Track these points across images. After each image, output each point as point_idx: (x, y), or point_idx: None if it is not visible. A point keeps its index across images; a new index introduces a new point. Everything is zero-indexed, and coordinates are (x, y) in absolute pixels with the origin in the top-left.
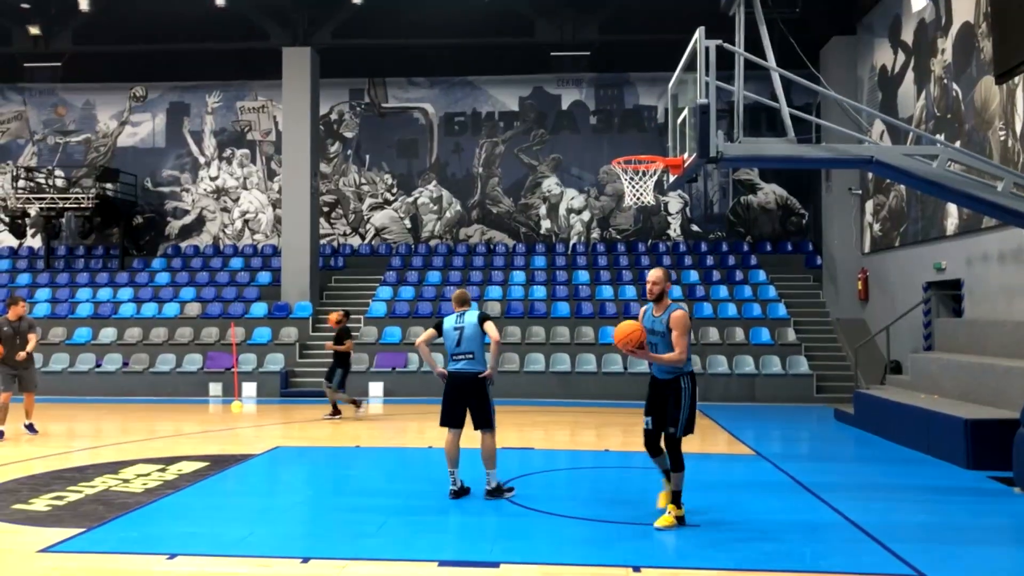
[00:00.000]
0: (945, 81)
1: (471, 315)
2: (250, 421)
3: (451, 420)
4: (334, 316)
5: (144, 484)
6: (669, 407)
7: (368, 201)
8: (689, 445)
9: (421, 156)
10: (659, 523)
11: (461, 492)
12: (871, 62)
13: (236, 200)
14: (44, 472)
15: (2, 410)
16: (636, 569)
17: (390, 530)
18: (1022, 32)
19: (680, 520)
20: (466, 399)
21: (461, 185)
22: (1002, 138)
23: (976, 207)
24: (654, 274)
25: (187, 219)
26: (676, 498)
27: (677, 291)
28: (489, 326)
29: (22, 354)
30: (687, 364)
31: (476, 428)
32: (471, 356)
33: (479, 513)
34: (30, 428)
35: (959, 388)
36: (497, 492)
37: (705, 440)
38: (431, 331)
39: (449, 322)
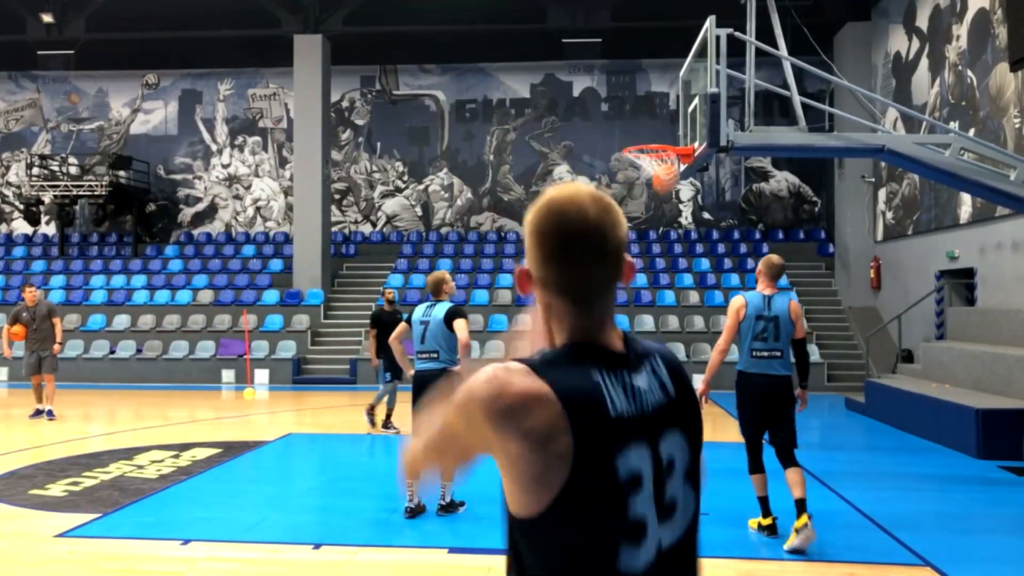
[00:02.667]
0: (960, 68)
1: (440, 309)
2: (262, 408)
3: None
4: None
5: (158, 470)
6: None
7: (379, 188)
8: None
9: (432, 143)
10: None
11: (417, 510)
12: (885, 48)
13: (248, 187)
14: (60, 458)
15: (36, 390)
16: None
17: (401, 517)
18: None
19: (764, 528)
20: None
21: (472, 172)
22: (1017, 126)
23: (989, 196)
24: None
25: (199, 206)
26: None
27: (688, 279)
28: (459, 325)
29: (57, 347)
30: (739, 361)
31: None
32: (435, 355)
33: (488, 502)
34: (48, 414)
35: (971, 377)
36: (450, 507)
37: (716, 428)
38: (403, 325)
39: (417, 313)
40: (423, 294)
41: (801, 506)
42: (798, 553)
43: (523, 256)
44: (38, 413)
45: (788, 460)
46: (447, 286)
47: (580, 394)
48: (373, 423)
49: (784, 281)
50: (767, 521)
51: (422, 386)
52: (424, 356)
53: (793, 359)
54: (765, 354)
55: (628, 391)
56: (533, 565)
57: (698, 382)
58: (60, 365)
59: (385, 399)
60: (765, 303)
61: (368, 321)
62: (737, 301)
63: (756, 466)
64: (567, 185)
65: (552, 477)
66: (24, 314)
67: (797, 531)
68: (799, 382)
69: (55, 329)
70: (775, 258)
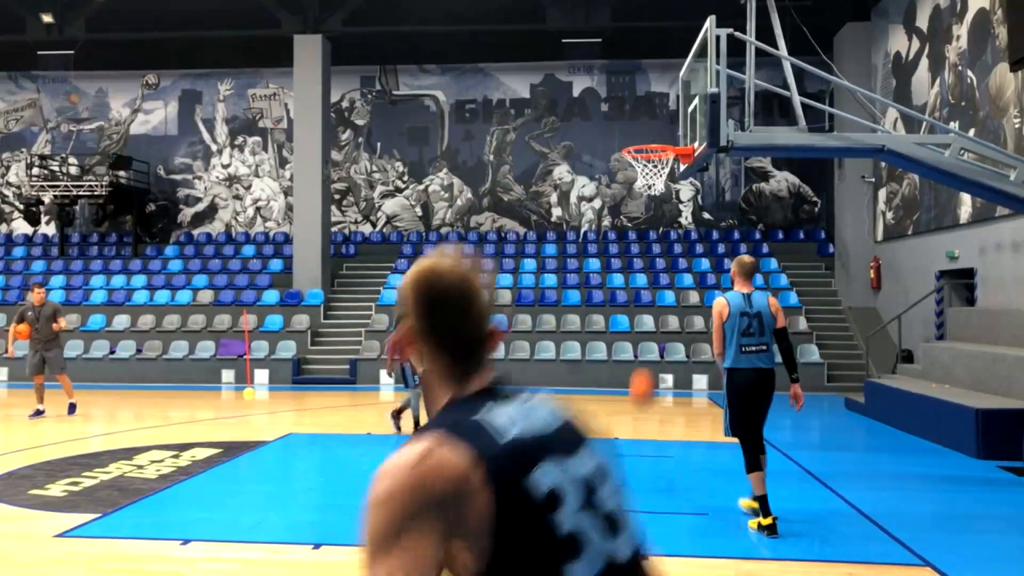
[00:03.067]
0: (960, 68)
1: None
2: (262, 408)
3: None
4: None
5: (158, 470)
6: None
7: (379, 189)
8: (700, 433)
9: (432, 143)
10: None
11: None
12: (885, 48)
13: (248, 188)
14: (60, 458)
15: (38, 390)
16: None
17: None
18: None
19: (764, 528)
20: None
21: (472, 172)
22: (1017, 126)
23: (989, 196)
24: None
25: (199, 206)
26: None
27: (688, 279)
28: None
29: (63, 322)
30: (725, 359)
31: None
32: None
33: None
34: (70, 408)
35: (970, 377)
36: None
37: (716, 428)
38: None
39: None
40: None
41: (765, 503)
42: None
43: (522, 256)
44: (38, 413)
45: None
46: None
47: (476, 435)
48: (398, 427)
49: (759, 280)
50: (767, 521)
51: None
52: None
53: (778, 352)
54: (753, 348)
55: (519, 418)
56: None
57: (701, 382)
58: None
59: (410, 405)
60: (746, 301)
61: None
62: (719, 302)
63: (754, 464)
64: (437, 253)
65: (481, 527)
66: (29, 313)
67: (759, 528)
68: (790, 375)
69: (59, 324)
70: (747, 258)
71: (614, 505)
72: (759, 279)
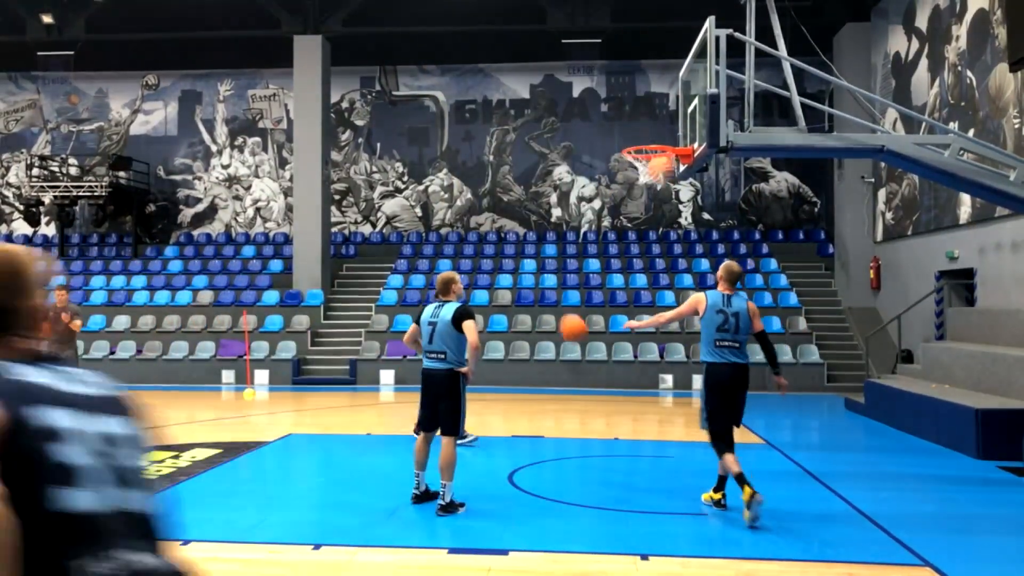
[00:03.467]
0: (959, 68)
1: (448, 309)
2: (262, 409)
3: (423, 424)
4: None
5: (158, 471)
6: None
7: (379, 189)
8: (700, 434)
9: (432, 144)
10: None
11: (424, 496)
12: (885, 49)
13: (248, 188)
14: None
15: None
16: (644, 557)
17: (401, 517)
18: None
19: (715, 504)
20: (437, 400)
21: (472, 173)
22: (1016, 126)
23: (989, 197)
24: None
25: (199, 207)
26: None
27: (688, 279)
28: (468, 327)
29: (77, 322)
30: (701, 354)
31: (441, 432)
32: (442, 356)
33: (489, 500)
34: None
35: (970, 378)
36: (450, 508)
37: None
38: (413, 326)
39: (426, 313)
40: (423, 294)
41: (742, 479)
42: (756, 521)
43: (522, 256)
44: None
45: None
46: (456, 286)
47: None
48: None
49: (759, 281)
50: (720, 496)
51: (429, 385)
52: (432, 356)
53: (761, 351)
54: (727, 343)
55: (50, 376)
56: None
57: (701, 382)
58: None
59: None
60: (724, 300)
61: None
62: (698, 296)
63: (729, 447)
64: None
65: None
66: (51, 313)
67: (748, 505)
68: (772, 369)
69: (73, 331)
70: (735, 265)
71: (130, 464)
72: (758, 279)
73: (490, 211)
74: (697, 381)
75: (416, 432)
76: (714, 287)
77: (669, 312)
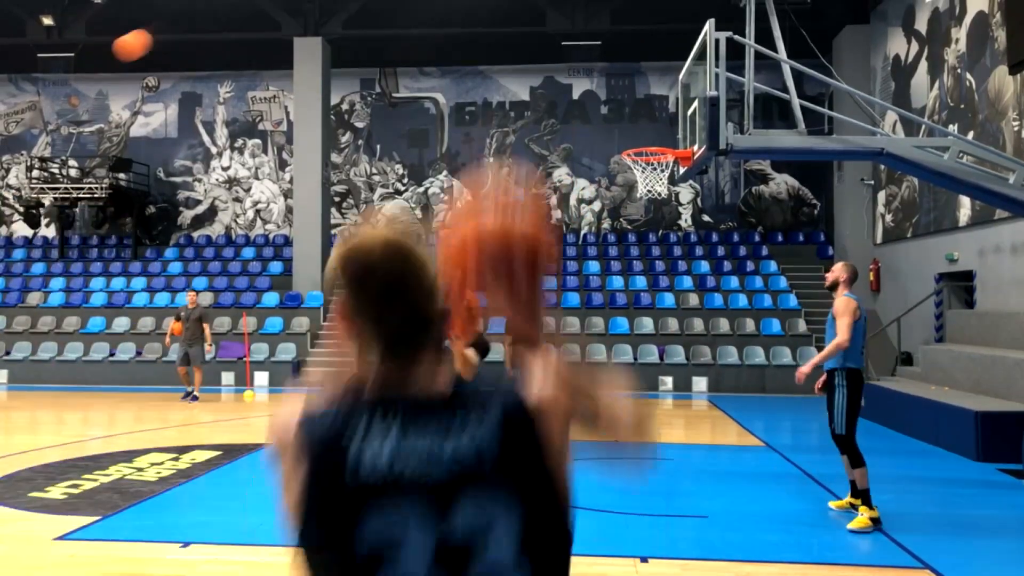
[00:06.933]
0: (959, 71)
1: None
2: (262, 410)
3: None
4: None
5: (158, 473)
6: (832, 401)
7: (379, 191)
8: (700, 436)
9: (432, 146)
10: (851, 525)
11: None
12: (884, 51)
13: (248, 190)
14: (60, 461)
15: (184, 378)
16: (644, 560)
17: None
18: None
19: (875, 522)
20: None
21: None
22: (1016, 129)
23: (988, 199)
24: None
25: (199, 209)
26: (863, 496)
27: (687, 281)
28: None
29: (208, 347)
30: (848, 358)
31: None
32: None
33: None
34: (193, 397)
35: (970, 380)
36: None
37: (715, 431)
38: None
39: None
40: None
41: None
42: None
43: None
44: (187, 395)
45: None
46: None
47: (322, 447)
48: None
49: (758, 282)
50: (875, 512)
51: None
52: None
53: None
54: (864, 351)
55: (406, 447)
56: None
57: (701, 384)
58: (61, 367)
59: None
60: (861, 306)
61: None
62: (852, 302)
63: (862, 457)
64: (370, 227)
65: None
66: (183, 313)
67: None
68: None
69: (203, 331)
70: (853, 264)
71: (497, 569)
72: (758, 281)
73: None
74: (697, 383)
75: None
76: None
77: (844, 332)
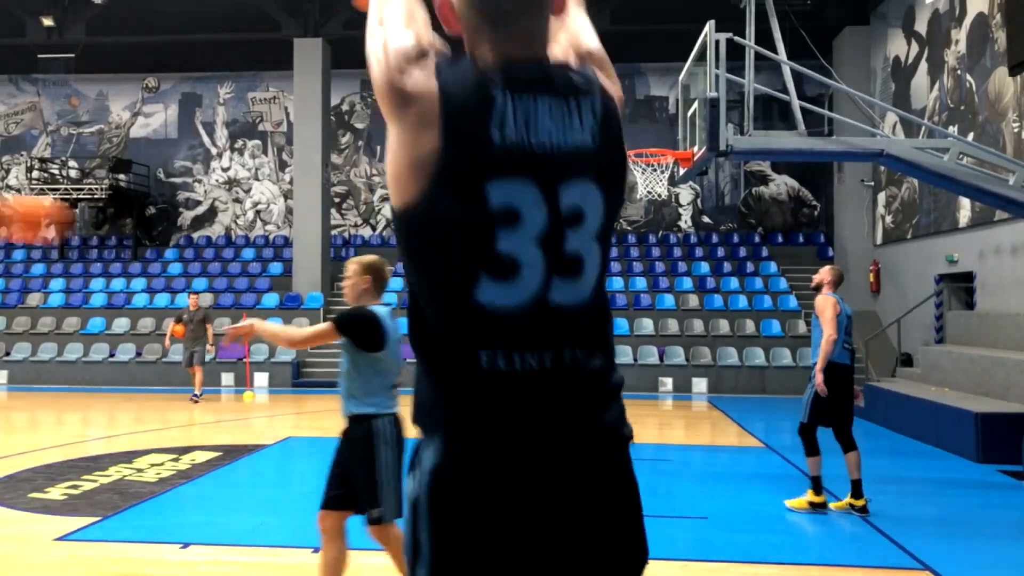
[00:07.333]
0: (959, 72)
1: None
2: (262, 411)
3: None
4: None
5: (158, 474)
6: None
7: (379, 192)
8: (699, 437)
9: None
10: (789, 501)
11: None
12: (884, 52)
13: (248, 191)
14: (60, 461)
15: (192, 378)
16: None
17: (400, 520)
18: None
19: (814, 507)
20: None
21: None
22: (1016, 130)
23: (988, 201)
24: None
25: (199, 210)
26: (814, 483)
27: (687, 283)
28: None
29: (210, 347)
30: (832, 353)
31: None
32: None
33: None
34: (194, 397)
35: (970, 381)
36: None
37: (715, 432)
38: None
39: (391, 325)
40: None
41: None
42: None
43: None
44: (195, 397)
45: (853, 443)
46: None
47: (464, 106)
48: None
49: (758, 284)
50: (820, 499)
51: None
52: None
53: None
54: (848, 347)
55: (529, 121)
56: (407, 266)
57: (701, 385)
58: (61, 367)
59: None
60: (843, 304)
61: None
62: (831, 300)
63: (817, 447)
64: None
65: (419, 174)
66: (185, 316)
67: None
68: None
69: (207, 332)
70: (839, 269)
71: (584, 248)
72: (758, 282)
73: None
74: (697, 384)
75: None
76: (833, 291)
77: (829, 327)
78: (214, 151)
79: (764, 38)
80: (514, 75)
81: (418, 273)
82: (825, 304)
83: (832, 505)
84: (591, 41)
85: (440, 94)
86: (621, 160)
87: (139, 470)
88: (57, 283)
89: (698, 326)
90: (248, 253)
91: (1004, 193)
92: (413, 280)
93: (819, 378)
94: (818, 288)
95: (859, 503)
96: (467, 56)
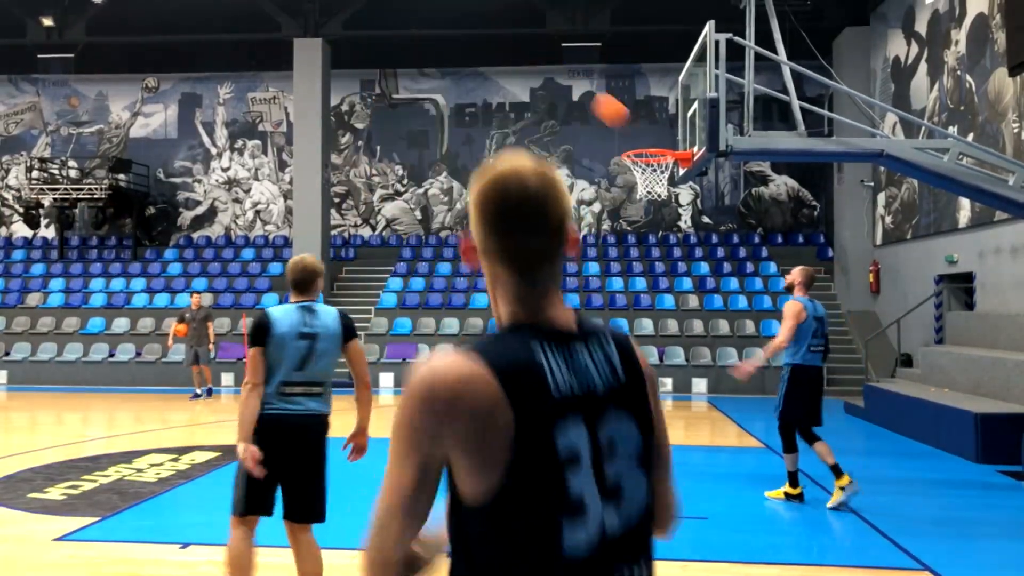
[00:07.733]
0: (959, 73)
1: (329, 315)
2: None
3: (266, 505)
4: None
5: (157, 474)
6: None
7: (379, 192)
8: (699, 437)
9: (432, 147)
10: (769, 492)
11: None
12: (884, 53)
13: (248, 191)
14: (59, 461)
15: (196, 378)
16: None
17: None
18: None
19: (789, 497)
20: (305, 465)
21: (472, 176)
22: (1015, 130)
23: (987, 201)
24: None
25: (199, 210)
26: (791, 477)
27: (687, 283)
28: (360, 349)
29: (211, 346)
30: (788, 355)
31: (301, 520)
32: (320, 391)
33: None
34: (197, 394)
35: (969, 382)
36: None
37: (715, 433)
38: (256, 351)
39: (290, 321)
40: (422, 297)
41: (795, 477)
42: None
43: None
44: (195, 396)
45: (815, 436)
46: (321, 280)
47: (519, 371)
48: None
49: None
50: (796, 491)
51: (297, 440)
52: (303, 392)
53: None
54: (816, 349)
55: (571, 367)
56: (482, 554)
57: (700, 386)
58: (60, 367)
59: None
60: (814, 307)
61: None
62: (797, 305)
63: (794, 444)
64: (510, 157)
65: (496, 456)
66: (187, 315)
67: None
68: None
69: (208, 331)
70: (811, 269)
71: (623, 475)
72: (758, 283)
73: None
74: (697, 385)
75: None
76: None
77: (784, 333)
78: (214, 151)
79: (764, 39)
80: (547, 329)
81: (499, 548)
82: (789, 311)
83: (837, 492)
84: None
85: (495, 376)
86: (643, 388)
87: (139, 470)
88: (57, 283)
89: (698, 326)
90: (248, 253)
91: (1004, 193)
92: (486, 554)
93: (744, 369)
94: (790, 289)
95: (842, 481)
96: (504, 336)
